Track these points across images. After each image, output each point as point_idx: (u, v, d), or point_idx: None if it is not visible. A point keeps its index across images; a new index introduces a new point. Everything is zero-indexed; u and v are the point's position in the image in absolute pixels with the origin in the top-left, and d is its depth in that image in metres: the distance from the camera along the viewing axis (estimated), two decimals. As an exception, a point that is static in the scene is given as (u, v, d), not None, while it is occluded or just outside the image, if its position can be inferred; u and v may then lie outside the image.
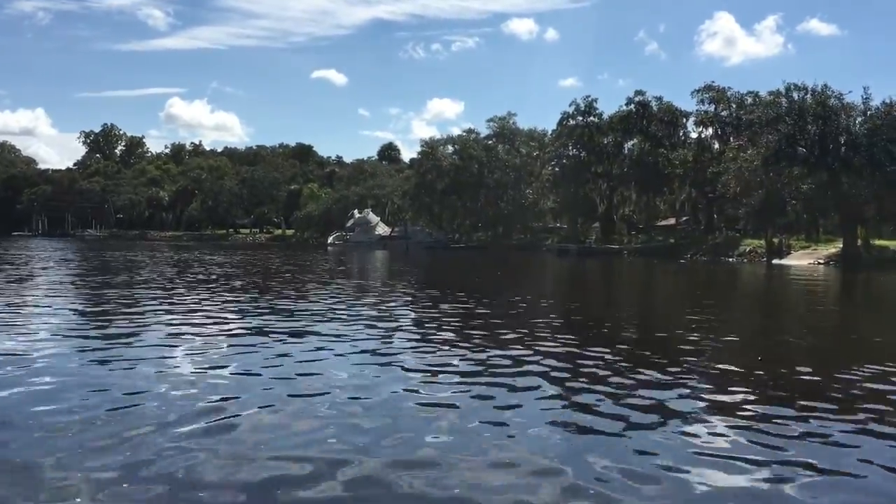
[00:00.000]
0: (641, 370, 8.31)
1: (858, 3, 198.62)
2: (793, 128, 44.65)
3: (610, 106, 74.81)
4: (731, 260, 51.70)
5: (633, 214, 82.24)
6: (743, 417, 6.35)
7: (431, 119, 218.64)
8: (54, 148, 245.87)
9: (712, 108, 65.74)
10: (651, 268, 42.39)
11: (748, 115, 52.03)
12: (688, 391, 7.36)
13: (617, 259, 56.05)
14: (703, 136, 67.98)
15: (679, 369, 8.48)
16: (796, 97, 45.45)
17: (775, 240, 51.74)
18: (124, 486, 4.45)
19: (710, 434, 5.81)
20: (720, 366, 8.81)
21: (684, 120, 70.18)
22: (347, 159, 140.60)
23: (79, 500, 4.24)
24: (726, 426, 6.04)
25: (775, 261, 47.73)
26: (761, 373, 8.45)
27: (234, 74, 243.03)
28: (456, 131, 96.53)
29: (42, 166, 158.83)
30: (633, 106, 70.29)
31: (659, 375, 8.06)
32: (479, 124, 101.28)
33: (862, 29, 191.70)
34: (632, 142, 72.30)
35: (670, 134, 69.39)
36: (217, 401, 6.46)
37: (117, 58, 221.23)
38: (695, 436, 5.74)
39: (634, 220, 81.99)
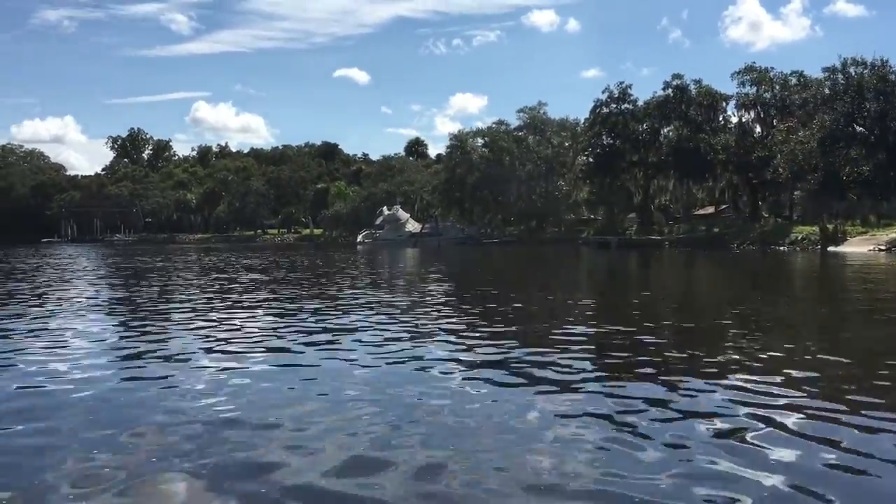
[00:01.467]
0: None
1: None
2: (850, 105, 42.09)
3: (636, 95, 72.30)
4: (782, 248, 49.14)
5: (670, 204, 79.85)
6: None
7: (454, 114, 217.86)
8: (84, 154, 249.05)
9: (754, 90, 63.21)
10: (703, 259, 40.02)
11: (800, 94, 49.41)
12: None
13: (661, 250, 53.73)
14: (744, 119, 65.59)
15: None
16: (853, 73, 42.81)
17: (830, 226, 49.16)
18: None
19: None
20: None
21: (724, 104, 67.67)
22: (373, 157, 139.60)
23: None
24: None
25: (831, 248, 45.22)
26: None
27: (258, 76, 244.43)
28: (480, 126, 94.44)
29: (71, 172, 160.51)
30: (670, 91, 67.90)
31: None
32: (503, 118, 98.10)
33: (890, 9, 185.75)
34: (668, 128, 69.91)
35: (710, 118, 66.93)
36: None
37: (143, 64, 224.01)
38: None
39: (671, 209, 79.60)
